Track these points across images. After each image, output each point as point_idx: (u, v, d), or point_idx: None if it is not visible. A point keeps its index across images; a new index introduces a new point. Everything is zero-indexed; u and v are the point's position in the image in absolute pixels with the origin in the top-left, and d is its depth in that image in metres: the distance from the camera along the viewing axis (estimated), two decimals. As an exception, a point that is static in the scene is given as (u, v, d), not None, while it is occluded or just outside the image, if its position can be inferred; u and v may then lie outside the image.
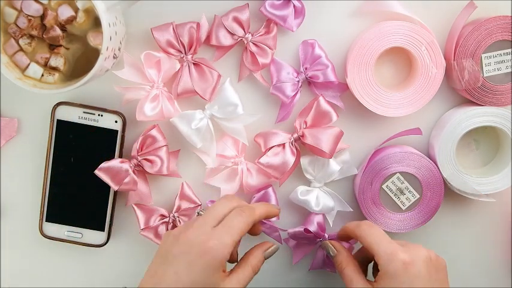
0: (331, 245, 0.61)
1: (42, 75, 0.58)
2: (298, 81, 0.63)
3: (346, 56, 0.64)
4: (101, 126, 0.64)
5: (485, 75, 0.62)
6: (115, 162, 0.62)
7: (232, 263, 0.57)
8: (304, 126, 0.63)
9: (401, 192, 0.64)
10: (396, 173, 0.63)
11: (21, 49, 0.58)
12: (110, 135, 0.64)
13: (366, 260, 0.61)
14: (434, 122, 0.66)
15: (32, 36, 0.57)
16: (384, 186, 0.64)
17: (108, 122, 0.64)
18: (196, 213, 0.62)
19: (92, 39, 0.57)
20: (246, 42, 0.63)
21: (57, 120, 0.64)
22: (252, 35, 0.62)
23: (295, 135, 0.63)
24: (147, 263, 0.68)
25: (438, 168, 0.64)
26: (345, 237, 0.62)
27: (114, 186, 0.62)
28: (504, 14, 0.61)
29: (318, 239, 0.65)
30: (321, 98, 0.62)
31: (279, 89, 0.63)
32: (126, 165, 0.62)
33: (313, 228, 0.64)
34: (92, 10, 0.56)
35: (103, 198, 0.65)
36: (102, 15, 0.54)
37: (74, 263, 0.68)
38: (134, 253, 0.68)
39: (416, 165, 0.63)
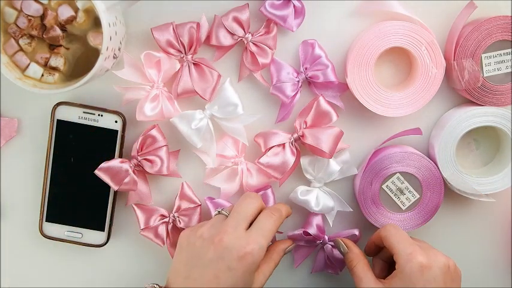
0: (342, 242, 0.62)
1: (42, 75, 0.58)
2: (298, 81, 0.63)
3: (346, 56, 0.64)
4: (101, 126, 0.64)
5: (485, 75, 0.62)
6: (115, 162, 0.62)
7: None
8: (304, 126, 0.63)
9: (401, 192, 0.64)
10: (396, 173, 0.63)
11: (21, 49, 0.58)
12: (110, 135, 0.64)
13: (386, 260, 0.61)
14: (434, 122, 0.66)
15: (32, 36, 0.57)
16: (384, 186, 0.64)
17: (108, 122, 0.64)
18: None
19: (92, 39, 0.57)
20: (246, 42, 0.63)
21: (57, 120, 0.64)
22: (252, 35, 0.62)
23: (295, 135, 0.63)
24: (147, 263, 0.68)
25: (438, 168, 0.64)
26: (373, 248, 0.62)
27: (114, 186, 0.62)
28: (504, 14, 0.61)
29: (318, 241, 0.65)
30: (321, 98, 0.62)
31: (279, 89, 0.63)
32: (126, 165, 0.62)
33: (312, 230, 0.64)
34: (92, 10, 0.56)
35: (103, 198, 0.65)
36: (102, 15, 0.54)
37: (74, 263, 0.68)
38: (134, 253, 0.68)
39: (416, 165, 0.63)
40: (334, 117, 0.62)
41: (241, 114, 0.63)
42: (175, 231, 0.65)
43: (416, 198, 0.64)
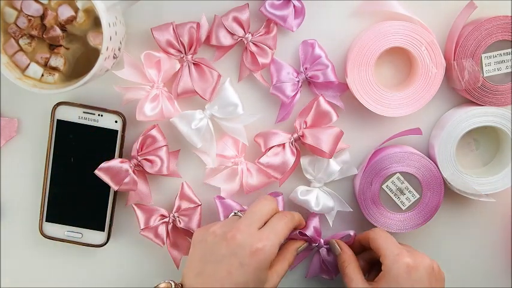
0: (336, 244, 0.63)
1: (42, 75, 0.58)
2: (298, 81, 0.63)
3: (346, 56, 0.64)
4: (101, 126, 0.64)
5: (485, 75, 0.62)
6: (115, 162, 0.62)
7: None
8: (304, 126, 0.63)
9: (401, 192, 0.64)
10: (396, 173, 0.63)
11: (21, 49, 0.58)
12: (110, 135, 0.64)
13: (371, 262, 0.63)
14: (434, 122, 0.66)
15: (32, 36, 0.57)
16: (384, 186, 0.64)
17: (108, 122, 0.64)
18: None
19: (92, 39, 0.57)
20: (246, 42, 0.63)
21: (57, 120, 0.64)
22: (252, 35, 0.62)
23: (295, 135, 0.63)
24: (147, 263, 0.68)
25: (438, 168, 0.64)
26: (357, 247, 0.64)
27: (114, 186, 0.62)
28: (504, 14, 0.61)
29: (314, 244, 0.65)
30: (321, 98, 0.62)
31: (279, 89, 0.63)
32: (126, 165, 0.62)
33: (309, 232, 0.64)
34: (92, 10, 0.56)
35: (103, 198, 0.65)
36: (102, 15, 0.54)
37: (74, 263, 0.68)
38: (134, 253, 0.68)
39: (416, 165, 0.63)
40: (334, 117, 0.62)
41: (241, 114, 0.63)
42: (175, 231, 0.65)
43: (416, 198, 0.64)
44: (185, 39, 0.61)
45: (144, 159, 0.62)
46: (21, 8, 0.56)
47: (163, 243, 0.64)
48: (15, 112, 0.66)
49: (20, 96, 0.65)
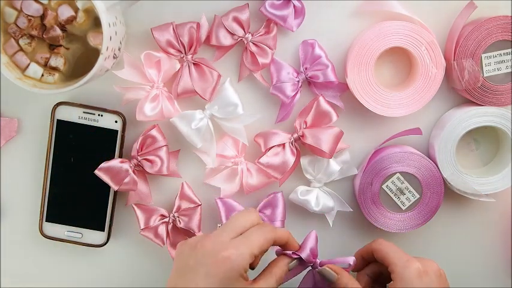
0: (330, 270, 0.58)
1: (42, 75, 0.58)
2: (298, 81, 0.63)
3: (346, 56, 0.64)
4: (101, 126, 0.64)
5: (485, 75, 0.62)
6: (115, 162, 0.62)
7: (253, 269, 0.55)
8: (304, 126, 0.63)
9: (401, 192, 0.64)
10: (396, 173, 0.63)
11: (21, 49, 0.58)
12: (110, 135, 0.64)
13: (374, 276, 0.61)
14: (434, 122, 0.66)
15: (32, 36, 0.57)
16: (384, 186, 0.64)
17: (108, 122, 0.64)
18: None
19: (92, 39, 0.57)
20: (246, 42, 0.63)
21: (57, 120, 0.64)
22: (252, 35, 0.62)
23: (295, 135, 0.63)
24: (147, 263, 0.68)
25: (438, 168, 0.64)
26: (360, 262, 0.61)
27: (114, 186, 0.62)
28: (504, 14, 0.61)
29: (309, 264, 0.58)
30: (321, 98, 0.62)
31: (279, 89, 0.63)
32: (126, 165, 0.62)
33: (304, 254, 0.57)
34: (92, 10, 0.56)
35: (103, 198, 0.65)
36: (102, 15, 0.54)
37: (74, 263, 0.68)
38: (134, 253, 0.68)
39: (416, 165, 0.63)
40: (334, 117, 0.62)
41: (241, 114, 0.63)
42: (175, 231, 0.65)
43: (416, 198, 0.64)
44: (185, 39, 0.61)
45: (144, 159, 0.62)
46: (21, 8, 0.56)
47: (163, 243, 0.64)
48: (15, 112, 0.66)
49: (20, 96, 0.65)
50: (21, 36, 0.57)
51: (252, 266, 0.55)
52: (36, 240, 0.67)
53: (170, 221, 0.64)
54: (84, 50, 0.58)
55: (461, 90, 0.63)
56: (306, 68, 0.63)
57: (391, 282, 0.56)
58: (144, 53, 0.61)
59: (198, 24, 0.62)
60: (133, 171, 0.62)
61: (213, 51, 0.64)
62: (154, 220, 0.64)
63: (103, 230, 0.66)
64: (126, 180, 0.62)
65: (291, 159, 0.63)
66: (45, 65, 0.58)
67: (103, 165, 0.62)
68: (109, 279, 0.69)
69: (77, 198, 0.65)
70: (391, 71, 0.65)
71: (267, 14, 0.62)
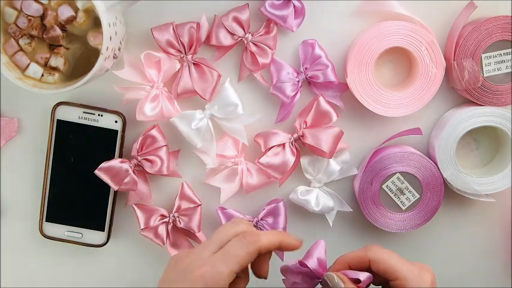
0: (337, 276, 0.52)
1: (42, 75, 0.58)
2: (298, 81, 0.63)
3: (346, 56, 0.64)
4: (101, 126, 0.64)
5: (485, 75, 0.62)
6: (115, 162, 0.62)
7: (265, 278, 0.53)
8: (304, 126, 0.63)
9: (401, 192, 0.64)
10: (396, 173, 0.63)
11: (21, 49, 0.58)
12: (110, 135, 0.64)
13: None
14: (434, 122, 0.66)
15: (32, 36, 0.57)
16: (384, 186, 0.64)
17: (108, 122, 0.64)
18: None
19: (92, 39, 0.57)
20: (246, 42, 0.63)
21: (57, 120, 0.64)
22: (252, 35, 0.62)
23: (295, 135, 0.63)
24: (147, 263, 0.68)
25: (438, 168, 0.64)
26: (342, 268, 0.54)
27: (114, 186, 0.62)
28: (504, 14, 0.61)
29: (317, 280, 0.53)
30: (321, 98, 0.62)
31: (279, 89, 0.63)
32: (126, 165, 0.62)
33: (311, 263, 0.53)
34: (92, 10, 0.56)
35: (103, 198, 0.65)
36: (102, 15, 0.54)
37: (74, 263, 0.68)
38: (134, 253, 0.68)
39: (416, 165, 0.63)
40: (334, 117, 0.62)
41: (241, 114, 0.63)
42: (175, 231, 0.65)
43: (416, 198, 0.64)
44: (185, 39, 0.61)
45: (144, 159, 0.62)
46: (21, 8, 0.56)
47: (163, 243, 0.64)
48: (15, 112, 0.66)
49: (20, 96, 0.65)
50: (21, 36, 0.57)
51: (260, 276, 0.52)
52: (36, 240, 0.67)
53: (170, 221, 0.64)
54: (84, 50, 0.58)
55: (461, 90, 0.63)
56: (306, 68, 0.63)
57: None
58: (144, 53, 0.61)
59: (198, 24, 0.62)
60: (133, 171, 0.62)
61: (213, 51, 0.64)
62: (154, 220, 0.64)
63: (103, 230, 0.66)
64: (126, 180, 0.62)
65: (291, 159, 0.63)
66: (45, 65, 0.58)
67: (103, 165, 0.62)
68: (109, 279, 0.69)
69: (77, 198, 0.65)
70: (391, 71, 0.65)
71: (267, 14, 0.62)
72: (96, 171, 0.62)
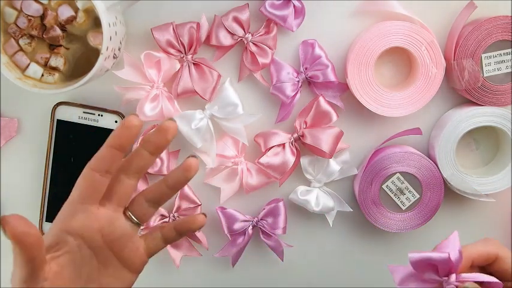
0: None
1: (42, 75, 0.58)
2: (298, 81, 0.63)
3: (346, 56, 0.64)
4: (101, 126, 0.64)
5: (485, 75, 0.62)
6: (115, 162, 0.62)
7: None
8: (304, 126, 0.63)
9: (401, 192, 0.64)
10: (396, 173, 0.63)
11: (21, 49, 0.58)
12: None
13: None
14: (434, 122, 0.66)
15: (32, 36, 0.57)
16: (384, 186, 0.64)
17: (108, 122, 0.64)
18: None
19: (92, 39, 0.57)
20: (246, 42, 0.63)
21: (57, 120, 0.64)
22: (252, 35, 0.62)
23: (295, 135, 0.63)
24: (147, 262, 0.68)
25: (438, 168, 0.64)
26: (467, 264, 0.48)
27: (114, 186, 0.62)
28: (504, 14, 0.61)
29: (444, 277, 0.45)
30: (321, 98, 0.62)
31: (279, 89, 0.63)
32: (126, 165, 0.62)
33: (454, 255, 0.44)
34: (92, 10, 0.56)
35: (103, 198, 0.65)
36: (102, 15, 0.54)
37: (74, 263, 0.68)
38: (134, 253, 0.68)
39: (416, 165, 0.63)
40: (334, 117, 0.62)
41: (241, 114, 0.63)
42: (175, 231, 0.65)
43: (416, 198, 0.64)
44: (185, 39, 0.61)
45: (144, 159, 0.62)
46: (21, 8, 0.56)
47: (163, 243, 0.64)
48: (15, 112, 0.66)
49: (20, 96, 0.65)
50: (21, 36, 0.57)
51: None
52: (36, 240, 0.67)
53: (170, 220, 0.64)
54: (84, 50, 0.58)
55: (461, 90, 0.63)
56: (306, 68, 0.63)
57: None
58: (144, 53, 0.61)
59: (198, 24, 0.62)
60: (134, 171, 0.62)
61: (213, 51, 0.64)
62: (154, 220, 0.64)
63: (103, 230, 0.65)
64: (126, 180, 0.62)
65: (291, 159, 0.63)
66: (45, 65, 0.58)
67: (103, 165, 0.62)
68: (109, 279, 0.68)
69: (77, 198, 0.65)
70: (391, 71, 0.65)
71: (267, 14, 0.62)
72: (96, 171, 0.62)
